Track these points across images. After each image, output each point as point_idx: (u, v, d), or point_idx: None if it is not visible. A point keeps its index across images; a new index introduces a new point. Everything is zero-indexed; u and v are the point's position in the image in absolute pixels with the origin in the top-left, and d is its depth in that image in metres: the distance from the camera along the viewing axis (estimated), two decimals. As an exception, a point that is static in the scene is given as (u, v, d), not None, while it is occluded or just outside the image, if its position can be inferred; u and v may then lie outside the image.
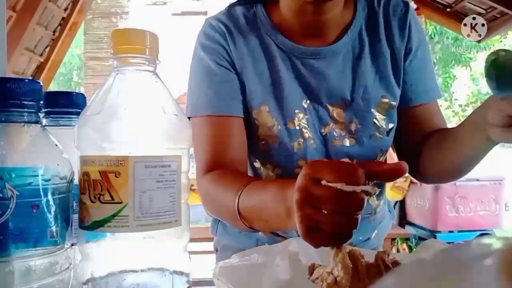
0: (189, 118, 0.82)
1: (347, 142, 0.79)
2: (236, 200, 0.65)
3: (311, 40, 0.80)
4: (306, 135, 0.79)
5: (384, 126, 0.81)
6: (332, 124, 0.79)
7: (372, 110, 0.80)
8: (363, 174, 0.43)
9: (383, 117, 0.81)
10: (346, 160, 0.47)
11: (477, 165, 0.75)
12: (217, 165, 0.76)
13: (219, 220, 0.91)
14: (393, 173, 0.45)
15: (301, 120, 0.79)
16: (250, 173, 0.85)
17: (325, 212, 0.43)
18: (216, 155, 0.77)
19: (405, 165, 0.45)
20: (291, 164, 0.79)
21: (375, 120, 0.80)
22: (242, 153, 0.80)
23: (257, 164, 0.83)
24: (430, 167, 0.83)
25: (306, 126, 0.79)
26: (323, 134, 0.79)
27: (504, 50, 0.51)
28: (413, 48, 0.82)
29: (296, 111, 0.79)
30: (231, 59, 0.80)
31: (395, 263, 0.46)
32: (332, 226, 0.43)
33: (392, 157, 0.95)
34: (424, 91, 0.84)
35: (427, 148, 0.82)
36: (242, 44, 0.81)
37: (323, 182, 0.43)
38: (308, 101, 0.79)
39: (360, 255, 0.47)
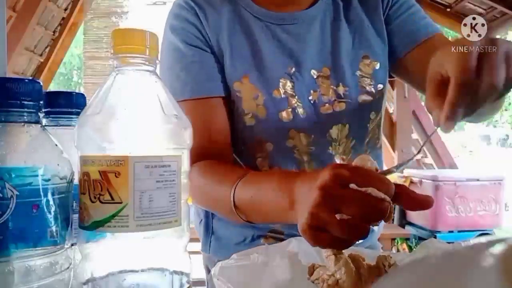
0: None
1: (337, 107, 0.78)
2: (232, 193, 0.64)
3: (286, 8, 0.80)
4: (295, 104, 0.77)
5: (373, 89, 0.80)
6: (319, 90, 0.78)
7: (357, 72, 0.79)
8: (393, 187, 0.42)
9: (369, 78, 0.80)
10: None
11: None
12: (202, 152, 0.73)
13: (211, 234, 0.85)
14: (421, 204, 0.44)
15: (286, 87, 0.77)
16: (240, 155, 0.81)
17: (341, 216, 0.42)
18: (200, 142, 0.72)
19: (433, 200, 0.44)
20: (283, 136, 0.77)
21: (361, 82, 0.79)
22: (225, 135, 0.78)
23: (244, 146, 0.79)
24: None
25: (293, 94, 0.77)
26: (312, 101, 0.78)
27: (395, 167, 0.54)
28: None
29: (281, 79, 0.77)
30: (202, 36, 0.78)
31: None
32: (342, 231, 0.42)
33: (387, 149, 0.95)
34: (424, 25, 0.82)
35: None
36: (215, 18, 0.78)
37: (352, 185, 0.42)
38: (293, 69, 0.78)
39: (361, 258, 0.47)
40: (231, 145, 0.80)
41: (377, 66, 0.81)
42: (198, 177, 0.72)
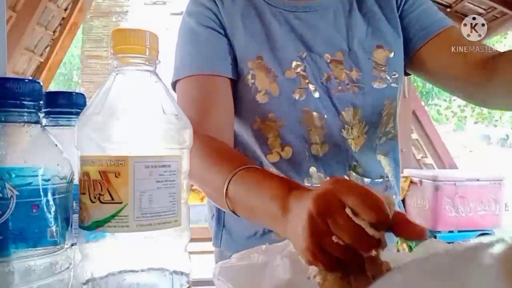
0: (174, 85, 0.80)
1: (350, 91, 0.79)
2: (226, 184, 0.62)
3: None
4: (307, 84, 0.78)
5: (387, 75, 0.81)
6: (332, 73, 0.79)
7: (370, 58, 0.81)
8: (388, 217, 0.41)
9: (383, 66, 0.81)
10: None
11: None
12: (201, 128, 0.72)
13: (223, 227, 0.85)
14: (415, 235, 0.42)
15: (298, 69, 0.78)
16: (250, 137, 0.81)
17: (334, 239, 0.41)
18: (200, 116, 0.74)
19: (427, 231, 0.42)
20: (295, 115, 0.77)
21: (375, 69, 0.80)
22: (227, 114, 0.78)
23: (255, 126, 0.79)
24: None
25: (305, 75, 0.78)
26: (324, 83, 0.79)
27: None
28: None
29: (293, 61, 0.78)
30: (218, 19, 0.80)
31: (386, 264, 0.46)
32: (337, 251, 0.42)
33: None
34: (438, 19, 0.83)
35: (501, 70, 0.73)
36: (231, 4, 0.81)
37: (348, 210, 0.41)
38: (305, 53, 0.79)
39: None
40: (232, 128, 0.80)
41: (391, 55, 0.82)
42: (195, 155, 0.71)
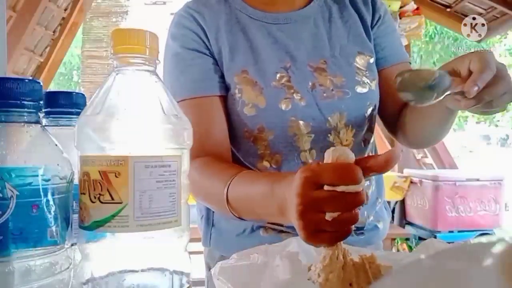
0: None
1: (335, 97, 0.81)
2: (225, 191, 0.66)
3: (278, 8, 0.85)
4: (293, 94, 0.79)
5: (368, 80, 0.84)
6: (317, 81, 0.81)
7: (353, 63, 0.84)
8: (361, 171, 0.44)
9: (364, 70, 0.84)
10: (343, 159, 0.46)
11: (445, 134, 0.84)
12: (201, 149, 0.76)
13: (212, 226, 0.86)
14: (387, 163, 0.46)
15: (282, 80, 0.80)
16: (240, 147, 0.83)
17: (328, 214, 0.44)
18: (199, 139, 0.76)
19: (397, 151, 0.45)
20: (283, 125, 0.79)
21: (357, 74, 0.83)
22: (223, 133, 0.80)
23: (245, 137, 0.81)
24: (406, 134, 0.89)
25: (291, 85, 0.80)
26: (310, 91, 0.81)
27: (408, 71, 0.60)
28: (382, 14, 0.89)
29: (278, 72, 0.80)
30: (201, 40, 0.82)
31: (385, 267, 0.46)
32: (335, 226, 0.45)
33: (388, 149, 0.97)
34: (396, 53, 0.90)
35: (402, 117, 0.88)
36: (214, 18, 0.83)
37: (326, 187, 0.44)
38: (289, 63, 0.81)
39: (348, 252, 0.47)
40: (229, 142, 0.82)
41: (371, 60, 0.86)
42: (195, 173, 0.74)
